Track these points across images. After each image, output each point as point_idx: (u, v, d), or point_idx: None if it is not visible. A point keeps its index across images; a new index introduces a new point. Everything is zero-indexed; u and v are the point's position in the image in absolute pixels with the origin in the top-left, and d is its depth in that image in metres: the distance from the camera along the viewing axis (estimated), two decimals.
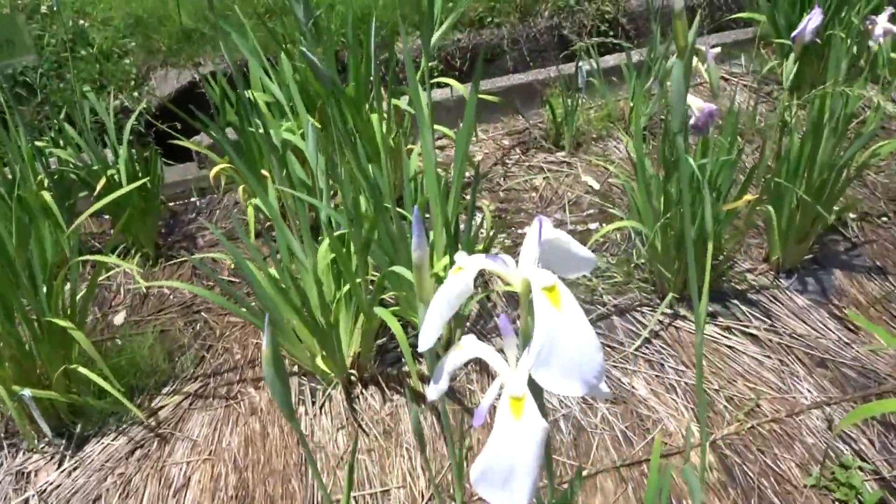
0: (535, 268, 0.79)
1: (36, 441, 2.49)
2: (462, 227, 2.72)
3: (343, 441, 2.39)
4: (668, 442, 2.27)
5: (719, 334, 2.64)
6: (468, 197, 2.83)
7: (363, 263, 2.30)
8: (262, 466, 2.35)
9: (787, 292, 2.81)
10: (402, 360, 2.62)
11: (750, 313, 2.71)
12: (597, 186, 3.52)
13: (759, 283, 2.84)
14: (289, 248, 2.48)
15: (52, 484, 2.37)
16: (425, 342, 0.82)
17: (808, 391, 2.41)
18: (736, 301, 2.76)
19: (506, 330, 0.79)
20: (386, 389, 2.53)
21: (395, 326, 2.16)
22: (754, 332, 2.64)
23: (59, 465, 2.42)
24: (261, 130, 2.14)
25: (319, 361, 2.40)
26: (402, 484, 2.24)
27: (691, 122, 2.11)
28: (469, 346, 0.84)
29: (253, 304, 2.63)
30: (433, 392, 0.87)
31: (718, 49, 2.48)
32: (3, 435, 2.53)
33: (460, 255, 0.83)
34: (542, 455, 0.73)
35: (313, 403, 2.51)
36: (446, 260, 2.36)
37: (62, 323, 2.27)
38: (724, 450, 2.23)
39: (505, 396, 0.77)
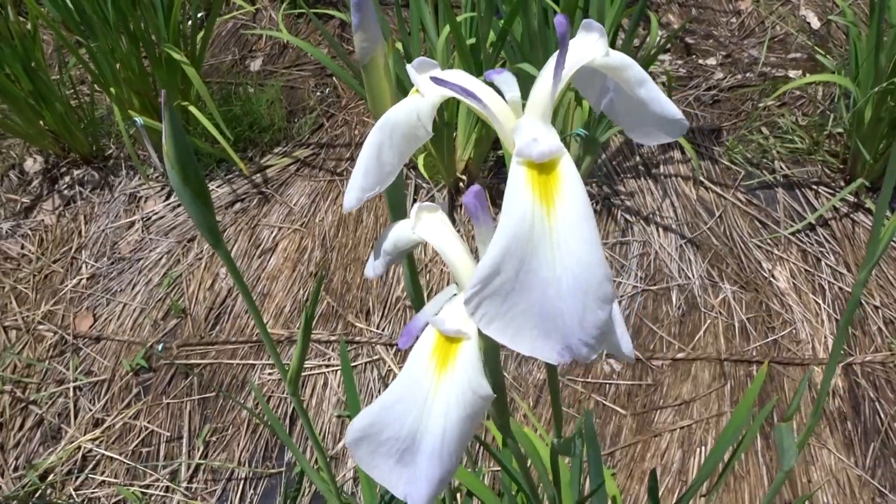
0: (533, 121, 0.47)
1: (150, 171, 2.53)
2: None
3: (432, 248, 2.23)
4: (793, 350, 1.92)
5: None
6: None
7: (494, 59, 1.97)
8: (347, 251, 2.26)
9: None
10: None
11: None
12: (816, 25, 2.82)
13: None
14: (421, 23, 2.17)
15: (156, 213, 2.44)
16: (348, 200, 0.55)
17: None
18: None
19: (476, 212, 0.50)
20: (492, 205, 2.30)
21: None
22: None
23: (166, 199, 2.47)
24: None
25: (421, 163, 2.18)
26: None
27: None
28: (421, 225, 0.56)
29: None
30: (369, 270, 0.61)
31: None
32: (124, 157, 2.60)
33: (422, 68, 0.52)
34: (470, 431, 0.47)
35: (414, 201, 2.34)
36: None
37: (176, 55, 2.16)
38: (858, 377, 1.86)
39: (430, 329, 0.49)
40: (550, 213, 0.42)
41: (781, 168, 2.32)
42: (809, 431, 0.88)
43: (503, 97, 0.51)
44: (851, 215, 2.18)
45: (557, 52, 0.47)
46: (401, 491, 0.48)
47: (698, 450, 1.77)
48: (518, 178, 0.43)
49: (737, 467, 1.72)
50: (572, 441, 0.70)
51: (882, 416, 1.79)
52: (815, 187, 2.26)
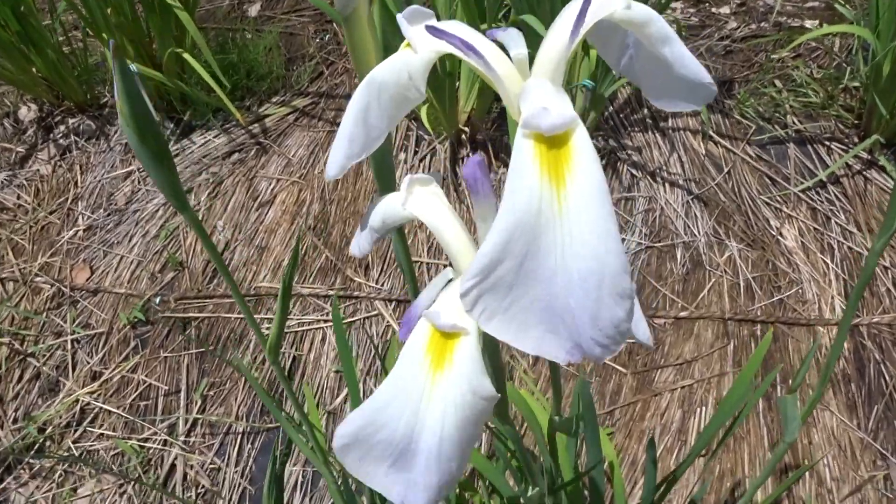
0: (542, 85, 0.42)
1: None
2: None
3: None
4: (799, 310, 1.89)
5: None
6: None
7: (497, 7, 1.89)
8: (347, 204, 2.22)
9: None
10: None
11: None
12: None
13: None
14: None
15: None
16: (331, 167, 0.51)
17: None
18: None
19: (476, 185, 0.46)
20: (494, 159, 2.24)
21: None
22: None
23: None
24: None
25: (423, 114, 2.11)
26: None
27: None
28: (413, 200, 0.51)
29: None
30: (354, 247, 0.57)
31: None
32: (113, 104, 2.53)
33: (414, 18, 0.47)
34: (472, 435, 0.43)
35: (415, 153, 2.29)
36: None
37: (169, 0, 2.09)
38: (864, 338, 1.83)
39: (424, 322, 0.45)
40: (560, 194, 0.37)
41: (794, 123, 2.25)
42: (815, 402, 0.85)
43: (508, 55, 0.45)
44: (864, 172, 2.12)
45: (579, 2, 0.42)
46: (398, 496, 0.45)
47: (699, 410, 1.75)
48: (524, 154, 0.38)
49: (737, 428, 1.71)
50: (572, 421, 0.67)
51: (887, 378, 1.76)
52: (827, 143, 2.19)
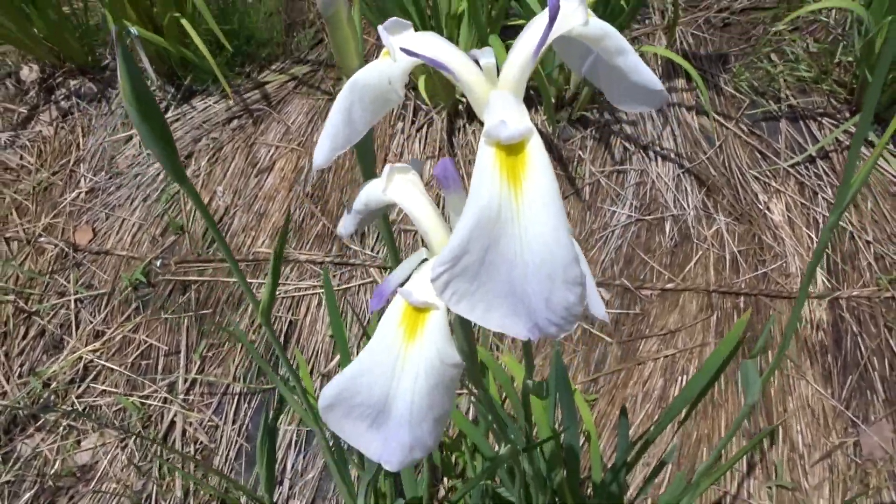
0: (504, 99, 0.47)
1: (147, 83, 2.50)
2: None
3: (431, 170, 2.22)
4: (782, 283, 1.94)
5: None
6: None
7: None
8: (344, 172, 2.26)
9: None
10: None
11: None
12: None
13: None
14: None
15: None
16: (317, 158, 0.55)
17: None
18: None
19: (447, 182, 0.50)
20: None
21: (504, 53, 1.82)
22: None
23: (164, 114, 2.44)
24: None
25: (421, 85, 2.14)
26: None
27: None
28: (392, 187, 0.56)
29: None
30: (341, 227, 0.62)
31: None
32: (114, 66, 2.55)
33: (394, 29, 0.52)
34: (442, 399, 0.49)
35: (412, 123, 2.32)
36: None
37: None
38: (843, 311, 1.88)
39: (398, 298, 0.51)
40: (517, 195, 0.43)
41: (787, 97, 2.27)
42: (779, 359, 0.90)
43: (479, 63, 0.50)
44: None
45: (543, 25, 0.47)
46: (375, 453, 0.50)
47: (680, 378, 1.82)
48: (486, 159, 0.44)
49: (715, 396, 1.77)
50: (543, 385, 0.72)
51: (863, 349, 1.82)
52: (819, 118, 2.22)
